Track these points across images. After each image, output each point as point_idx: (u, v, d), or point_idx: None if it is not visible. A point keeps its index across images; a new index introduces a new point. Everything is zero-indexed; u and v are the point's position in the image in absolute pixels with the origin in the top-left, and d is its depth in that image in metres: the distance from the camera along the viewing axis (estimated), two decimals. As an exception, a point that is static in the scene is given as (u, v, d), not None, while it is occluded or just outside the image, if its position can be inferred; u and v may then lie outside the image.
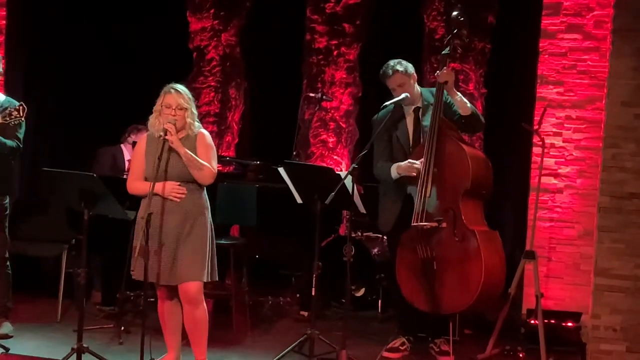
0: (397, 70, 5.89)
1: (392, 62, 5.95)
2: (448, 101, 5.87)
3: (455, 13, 5.93)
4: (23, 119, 5.91)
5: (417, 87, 6.00)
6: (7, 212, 6.25)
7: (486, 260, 5.58)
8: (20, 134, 6.17)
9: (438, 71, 5.87)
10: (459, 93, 5.86)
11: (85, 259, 5.44)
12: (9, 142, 6.05)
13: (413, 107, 5.97)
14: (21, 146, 6.19)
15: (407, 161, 5.83)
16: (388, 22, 8.17)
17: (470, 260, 5.61)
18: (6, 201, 6.22)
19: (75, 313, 5.74)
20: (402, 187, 5.90)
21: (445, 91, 5.81)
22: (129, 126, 7.61)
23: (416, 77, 6.02)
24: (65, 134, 8.38)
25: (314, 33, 8.43)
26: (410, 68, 5.96)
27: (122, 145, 7.59)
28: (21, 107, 5.91)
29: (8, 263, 6.28)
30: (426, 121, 5.85)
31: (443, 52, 5.89)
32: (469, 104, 5.84)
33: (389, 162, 5.94)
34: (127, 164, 7.42)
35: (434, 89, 5.91)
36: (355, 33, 8.37)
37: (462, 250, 5.64)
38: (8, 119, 5.89)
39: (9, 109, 5.94)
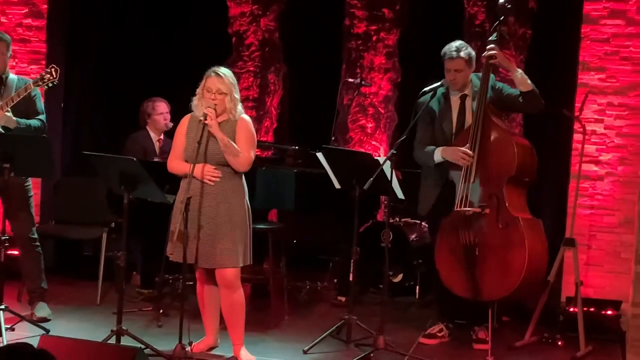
0: (461, 57, 5.78)
1: (458, 44, 5.82)
2: (497, 87, 5.81)
3: (502, 0, 5.85)
4: (56, 81, 5.86)
5: (471, 76, 5.90)
6: (31, 193, 6.20)
7: (530, 247, 5.56)
8: (40, 107, 6.07)
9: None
10: (518, 69, 5.75)
11: (125, 242, 5.49)
12: (33, 123, 5.97)
13: (460, 94, 5.88)
14: (45, 121, 6.09)
15: (456, 147, 5.77)
16: (428, 8, 8.11)
17: (513, 247, 5.58)
18: (28, 183, 6.14)
19: (115, 296, 5.79)
20: (443, 171, 5.86)
21: (494, 79, 5.77)
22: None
23: (474, 67, 5.91)
24: (106, 117, 8.43)
25: (353, 18, 8.37)
26: (474, 57, 5.87)
27: (147, 128, 7.32)
28: (53, 69, 5.84)
29: (37, 243, 6.23)
30: (474, 109, 5.76)
31: (490, 39, 5.80)
32: (529, 80, 5.68)
33: (430, 146, 5.89)
34: (156, 145, 7.37)
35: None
36: (394, 18, 8.31)
37: (505, 237, 5.61)
38: (40, 82, 5.85)
39: (41, 74, 5.90)
